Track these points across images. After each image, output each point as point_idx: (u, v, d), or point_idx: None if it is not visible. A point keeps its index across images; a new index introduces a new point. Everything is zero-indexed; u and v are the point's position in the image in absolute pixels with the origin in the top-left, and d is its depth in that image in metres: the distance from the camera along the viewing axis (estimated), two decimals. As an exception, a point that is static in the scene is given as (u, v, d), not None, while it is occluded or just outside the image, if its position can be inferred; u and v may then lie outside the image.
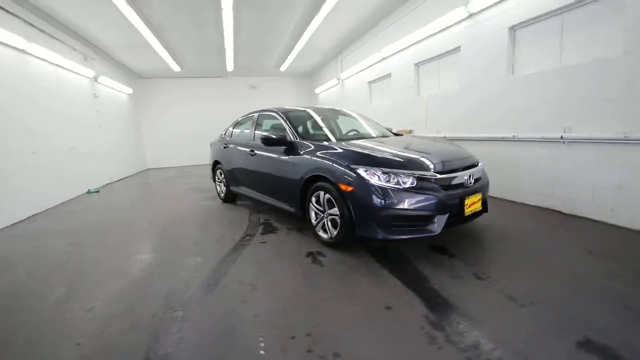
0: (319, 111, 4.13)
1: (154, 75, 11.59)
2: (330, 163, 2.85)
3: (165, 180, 8.58)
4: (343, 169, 2.72)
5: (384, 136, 3.81)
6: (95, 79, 7.83)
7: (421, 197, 2.51)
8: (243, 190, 4.56)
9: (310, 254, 2.87)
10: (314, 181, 3.06)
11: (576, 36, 3.43)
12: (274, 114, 4.04)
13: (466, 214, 2.70)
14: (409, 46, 6.21)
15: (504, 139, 4.26)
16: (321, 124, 3.86)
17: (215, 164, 5.34)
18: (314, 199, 3.07)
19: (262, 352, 1.62)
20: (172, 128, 12.31)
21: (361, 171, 2.62)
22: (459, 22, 4.87)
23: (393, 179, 2.54)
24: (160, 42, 7.59)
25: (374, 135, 3.81)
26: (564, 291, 2.05)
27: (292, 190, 3.34)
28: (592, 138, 3.27)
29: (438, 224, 2.55)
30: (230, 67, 10.56)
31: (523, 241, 2.95)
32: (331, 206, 2.87)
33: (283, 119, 3.79)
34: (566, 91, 3.50)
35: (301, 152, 3.25)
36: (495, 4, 4.22)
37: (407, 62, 6.36)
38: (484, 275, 2.30)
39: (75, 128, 6.69)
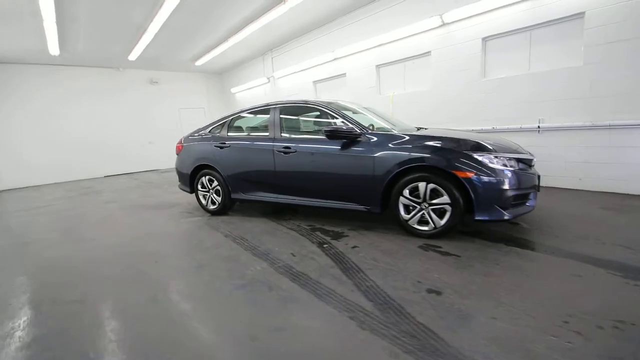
0: (343, 105, 3.90)
1: (14, 60, 8.26)
2: (435, 152, 2.80)
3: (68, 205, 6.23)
4: (456, 156, 2.72)
5: (419, 128, 3.94)
6: None
7: (527, 177, 2.80)
8: (259, 196, 3.86)
9: (427, 247, 2.73)
10: (405, 173, 2.92)
11: (544, 48, 4.45)
12: (311, 105, 3.65)
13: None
14: (370, 48, 6.56)
15: (484, 131, 5.09)
16: (369, 115, 3.69)
17: (198, 170, 4.29)
18: (407, 192, 2.93)
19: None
20: (39, 132, 9.03)
21: (478, 156, 2.69)
22: (431, 29, 5.50)
23: (506, 161, 2.72)
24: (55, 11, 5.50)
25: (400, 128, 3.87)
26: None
27: (369, 187, 3.09)
28: (563, 126, 4.32)
29: (534, 199, 2.90)
30: (134, 56, 8.57)
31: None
32: (435, 196, 2.82)
33: (333, 110, 3.44)
34: (538, 91, 4.50)
35: (376, 145, 3.04)
36: (469, 17, 5.00)
37: (367, 63, 6.71)
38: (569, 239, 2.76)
39: None
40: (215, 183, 4.16)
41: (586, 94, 4.10)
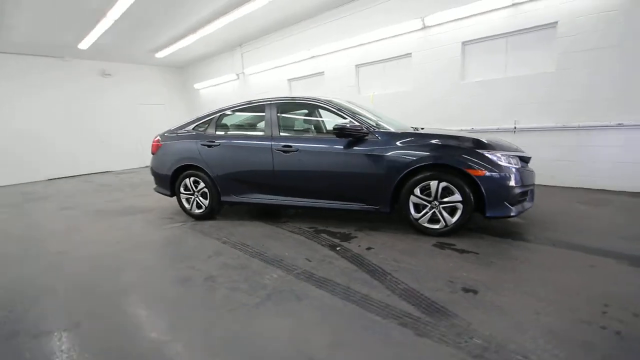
0: (342, 103, 3.81)
1: None
2: (448, 150, 2.82)
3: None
4: (469, 154, 2.76)
5: (414, 128, 3.98)
6: None
7: (529, 174, 2.94)
8: (254, 198, 3.62)
9: (442, 246, 2.74)
10: (415, 173, 2.90)
11: (520, 54, 4.76)
12: (311, 102, 3.51)
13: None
14: (349, 48, 6.54)
15: (463, 132, 5.32)
16: (365, 113, 3.62)
17: (181, 171, 3.91)
18: (417, 191, 2.92)
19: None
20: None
21: (488, 154, 2.75)
22: (413, 31, 5.62)
23: (512, 160, 2.82)
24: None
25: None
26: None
27: (379, 186, 3.03)
28: (537, 127, 4.66)
29: (532, 196, 3.06)
30: (86, 44, 7.64)
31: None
32: (446, 194, 2.84)
33: (336, 107, 3.33)
34: (514, 94, 4.80)
35: (385, 143, 3.00)
36: (450, 21, 5.19)
37: (347, 62, 6.69)
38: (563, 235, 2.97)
39: None
40: (202, 185, 3.81)
41: (558, 97, 4.46)
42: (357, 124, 3.11)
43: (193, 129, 4.00)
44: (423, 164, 2.85)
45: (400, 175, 2.92)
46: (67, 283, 2.49)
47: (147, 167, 10.59)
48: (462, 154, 2.77)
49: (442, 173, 2.82)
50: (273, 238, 3.19)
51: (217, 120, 3.89)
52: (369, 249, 2.79)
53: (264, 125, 3.59)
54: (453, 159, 2.78)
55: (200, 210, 3.92)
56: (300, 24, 7.33)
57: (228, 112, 3.92)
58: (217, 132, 3.84)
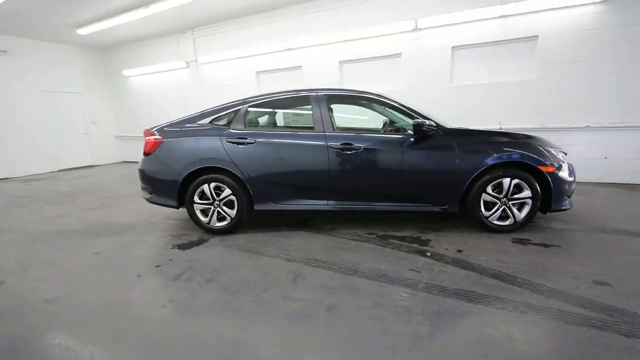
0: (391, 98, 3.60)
1: None
2: (522, 148, 2.88)
3: None
4: (539, 152, 2.87)
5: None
6: None
7: (574, 170, 3.21)
8: (301, 204, 3.13)
9: (522, 242, 2.78)
10: (486, 171, 2.90)
11: (505, 61, 5.26)
12: (368, 96, 3.25)
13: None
14: (333, 43, 6.30)
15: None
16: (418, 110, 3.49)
17: (195, 175, 3.12)
18: (489, 189, 2.92)
19: None
20: None
21: (553, 151, 2.92)
22: (404, 32, 5.70)
23: (564, 155, 3.05)
24: None
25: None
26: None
27: (451, 185, 2.95)
28: (520, 128, 5.20)
29: (570, 190, 3.38)
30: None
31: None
32: (517, 191, 2.91)
33: (397, 103, 3.12)
34: (498, 98, 5.30)
35: (453, 141, 2.93)
36: (442, 26, 5.43)
37: (329, 58, 6.43)
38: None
39: None
40: (227, 192, 3.11)
41: (537, 102, 5.09)
42: (428, 121, 2.94)
43: (210, 122, 3.24)
44: (499, 161, 2.85)
45: (475, 174, 2.88)
46: None
47: (64, 170, 8.44)
48: (533, 152, 2.87)
49: (514, 170, 2.87)
50: (342, 249, 2.79)
51: (244, 113, 3.22)
52: (459, 251, 2.66)
53: (311, 120, 3.13)
54: (528, 156, 2.85)
55: (223, 223, 3.20)
56: (275, 11, 6.73)
57: (257, 103, 3.29)
58: (248, 128, 3.19)
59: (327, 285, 2.20)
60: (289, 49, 6.77)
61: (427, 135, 2.94)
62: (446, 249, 2.71)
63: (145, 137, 3.30)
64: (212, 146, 3.11)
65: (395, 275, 2.29)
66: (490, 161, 2.86)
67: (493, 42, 5.22)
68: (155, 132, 3.28)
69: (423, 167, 2.97)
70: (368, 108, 3.41)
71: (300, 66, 6.79)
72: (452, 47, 5.47)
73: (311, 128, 3.12)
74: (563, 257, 2.49)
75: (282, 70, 7.08)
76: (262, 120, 3.46)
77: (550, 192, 2.88)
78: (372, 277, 2.29)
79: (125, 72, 9.17)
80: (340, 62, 6.39)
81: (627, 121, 4.63)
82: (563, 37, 4.78)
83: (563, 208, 2.97)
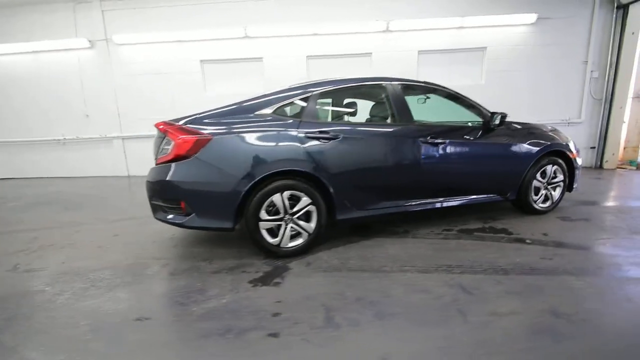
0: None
1: None
2: (557, 138, 3.30)
3: None
4: (568, 140, 3.37)
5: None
6: None
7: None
8: (384, 208, 2.76)
9: (568, 219, 3.20)
10: (538, 160, 3.23)
11: (460, 67, 5.99)
12: (431, 86, 3.41)
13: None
14: (301, 35, 5.87)
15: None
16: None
17: (262, 183, 2.35)
18: (539, 175, 3.26)
19: None
20: None
21: (572, 141, 3.48)
22: (376, 32, 5.80)
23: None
24: None
25: None
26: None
27: (513, 176, 3.18)
28: (475, 126, 6.07)
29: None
30: None
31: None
32: (554, 176, 3.34)
33: (459, 94, 3.16)
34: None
35: (512, 133, 3.19)
36: (410, 30, 5.78)
37: (295, 51, 5.99)
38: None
39: None
40: (305, 201, 2.44)
41: (488, 104, 5.89)
42: (501, 114, 3.07)
43: (274, 111, 2.47)
44: (547, 150, 3.21)
45: (532, 162, 3.16)
46: None
47: None
48: (564, 141, 3.35)
49: (553, 157, 3.29)
50: (453, 250, 2.59)
51: (315, 103, 2.60)
52: (545, 234, 2.85)
53: (388, 112, 2.81)
54: (564, 145, 3.31)
55: (298, 242, 2.50)
56: (229, -8, 5.79)
57: (326, 90, 2.71)
58: (323, 120, 2.61)
59: (510, 290, 1.98)
60: (246, 37, 5.93)
61: (494, 128, 3.06)
62: (532, 234, 2.86)
63: (175, 134, 2.26)
64: (287, 143, 2.39)
65: (541, 267, 2.26)
66: (542, 151, 3.19)
67: (452, 49, 5.89)
68: (197, 127, 2.29)
69: (499, 158, 3.08)
70: (443, 99, 3.37)
71: (261, 58, 6.06)
72: (419, 51, 5.90)
73: (392, 120, 2.79)
74: (620, 233, 2.96)
75: (237, 60, 6.14)
76: (334, 112, 2.91)
77: (573, 174, 3.43)
78: (526, 272, 2.20)
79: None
80: (307, 56, 6.02)
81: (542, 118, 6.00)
82: (505, 49, 5.80)
83: (575, 187, 3.58)
